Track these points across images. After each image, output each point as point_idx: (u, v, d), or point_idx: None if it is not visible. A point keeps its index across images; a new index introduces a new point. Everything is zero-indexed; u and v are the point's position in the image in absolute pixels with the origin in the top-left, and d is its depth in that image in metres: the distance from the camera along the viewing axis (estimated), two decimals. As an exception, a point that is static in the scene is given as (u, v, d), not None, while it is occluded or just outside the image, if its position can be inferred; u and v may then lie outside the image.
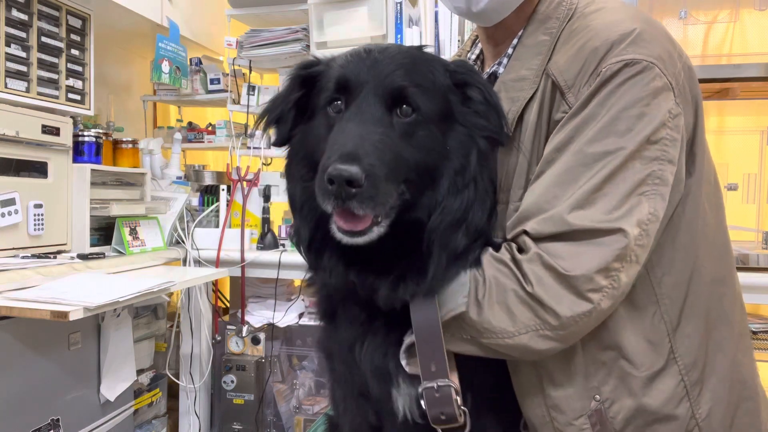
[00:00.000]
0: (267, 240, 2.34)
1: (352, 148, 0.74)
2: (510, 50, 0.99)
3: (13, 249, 1.85)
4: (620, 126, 0.81)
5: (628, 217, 0.80)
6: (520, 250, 0.84)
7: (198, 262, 2.33)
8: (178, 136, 2.78)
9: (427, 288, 0.82)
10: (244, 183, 2.39)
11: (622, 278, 0.80)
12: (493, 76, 1.01)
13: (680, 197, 0.88)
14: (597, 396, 0.87)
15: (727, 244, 0.95)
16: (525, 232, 0.83)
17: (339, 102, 0.84)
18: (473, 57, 1.13)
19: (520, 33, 0.98)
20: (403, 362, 0.87)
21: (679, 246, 0.89)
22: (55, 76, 2.00)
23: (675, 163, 0.84)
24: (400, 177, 0.79)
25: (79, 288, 1.58)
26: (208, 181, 2.76)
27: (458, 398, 0.85)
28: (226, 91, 2.82)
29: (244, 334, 2.34)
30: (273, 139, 0.96)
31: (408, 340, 0.87)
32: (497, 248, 0.88)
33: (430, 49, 0.93)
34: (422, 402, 0.85)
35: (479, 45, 1.11)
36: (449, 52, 2.37)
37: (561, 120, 0.87)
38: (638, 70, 0.82)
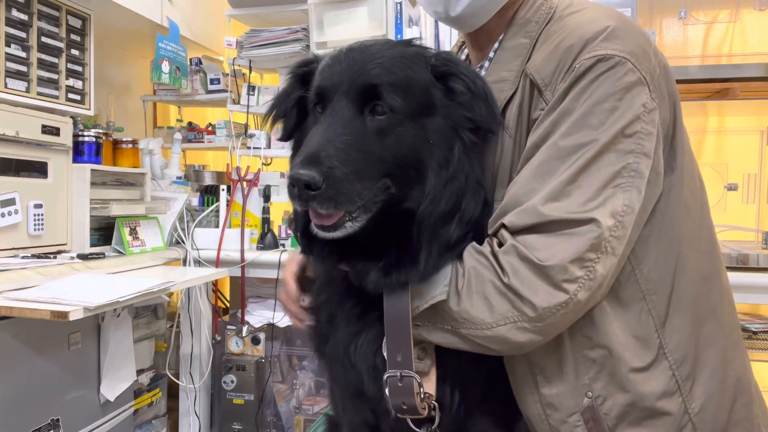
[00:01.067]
0: (267, 240, 2.34)
1: (313, 151, 0.78)
2: (491, 54, 1.00)
3: (13, 249, 1.85)
4: (593, 119, 0.82)
5: (601, 208, 0.80)
6: (500, 243, 0.85)
7: (198, 262, 2.33)
8: (178, 136, 2.78)
9: (419, 276, 0.83)
10: (244, 183, 2.39)
11: (598, 269, 0.80)
12: None
13: (661, 192, 0.89)
14: (589, 393, 0.88)
15: (714, 240, 0.96)
16: (503, 225, 0.84)
17: (319, 107, 0.87)
18: None
19: (501, 37, 0.99)
20: (384, 353, 0.88)
21: (663, 241, 0.89)
22: (55, 76, 2.00)
23: (651, 156, 0.84)
24: (376, 173, 0.81)
25: (79, 288, 1.58)
26: (208, 181, 2.77)
27: (422, 391, 0.86)
28: (226, 91, 2.82)
29: (244, 334, 2.34)
30: (279, 134, 0.99)
31: None
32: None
33: (429, 43, 0.93)
34: (385, 390, 0.86)
35: (465, 50, 1.13)
36: (449, 52, 2.37)
37: (538, 118, 0.88)
38: (611, 65, 0.83)
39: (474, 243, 0.87)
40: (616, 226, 0.81)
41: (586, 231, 0.79)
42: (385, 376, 0.86)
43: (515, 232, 0.82)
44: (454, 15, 0.97)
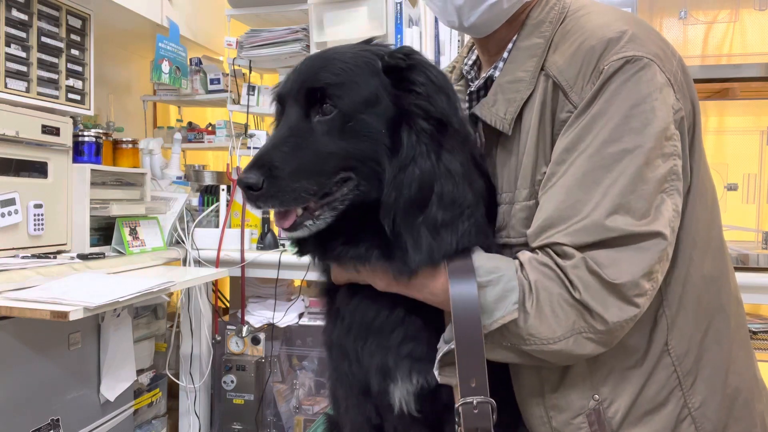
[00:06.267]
0: (267, 240, 2.34)
1: (258, 156, 0.84)
2: (506, 54, 1.00)
3: (13, 249, 1.85)
4: (634, 123, 0.81)
5: (660, 218, 0.80)
6: (558, 254, 0.83)
7: (198, 262, 2.33)
8: (178, 136, 2.78)
9: (419, 261, 0.84)
10: (244, 183, 2.39)
11: (660, 278, 0.82)
12: (490, 80, 1.02)
13: (685, 192, 0.89)
14: (596, 396, 0.88)
15: (722, 239, 0.96)
16: (561, 242, 0.82)
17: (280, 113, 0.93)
18: (470, 62, 1.14)
19: (514, 38, 0.99)
20: (436, 372, 0.86)
21: (682, 240, 0.89)
22: (55, 76, 2.00)
23: (682, 157, 0.85)
24: (329, 169, 0.83)
25: (79, 288, 1.57)
26: (208, 181, 2.77)
27: (496, 416, 0.82)
28: (226, 91, 2.82)
29: (244, 334, 2.34)
30: None
31: (445, 348, 0.84)
32: (499, 249, 0.89)
33: (430, 43, 0.94)
34: (458, 417, 0.82)
35: (475, 51, 1.12)
36: (449, 52, 2.37)
37: (567, 119, 0.87)
38: (641, 66, 0.82)
39: (532, 254, 0.85)
40: (672, 233, 0.82)
41: (653, 245, 0.80)
42: (456, 405, 0.82)
43: (580, 248, 0.81)
44: (468, 24, 0.98)
